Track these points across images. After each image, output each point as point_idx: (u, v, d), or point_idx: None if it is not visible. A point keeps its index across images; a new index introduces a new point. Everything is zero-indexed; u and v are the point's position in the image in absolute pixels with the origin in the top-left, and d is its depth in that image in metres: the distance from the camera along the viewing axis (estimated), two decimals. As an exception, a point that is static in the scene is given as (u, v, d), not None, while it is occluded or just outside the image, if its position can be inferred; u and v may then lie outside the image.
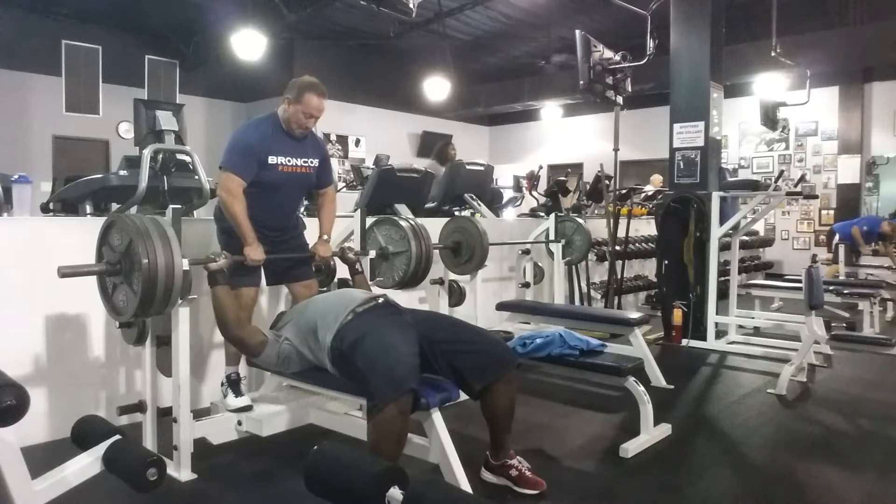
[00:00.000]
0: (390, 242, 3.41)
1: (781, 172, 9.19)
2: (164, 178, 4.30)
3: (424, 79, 9.77)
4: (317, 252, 3.03)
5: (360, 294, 2.61)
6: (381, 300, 2.54)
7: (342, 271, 3.54)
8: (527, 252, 5.37)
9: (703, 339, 5.10)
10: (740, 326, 5.49)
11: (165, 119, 4.24)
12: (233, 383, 2.93)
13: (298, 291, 3.10)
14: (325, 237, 3.07)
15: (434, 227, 4.53)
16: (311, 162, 2.98)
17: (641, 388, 2.96)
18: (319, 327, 2.43)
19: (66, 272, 2.20)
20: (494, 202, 6.93)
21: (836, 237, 8.23)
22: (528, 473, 2.42)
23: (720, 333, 5.25)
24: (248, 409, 2.86)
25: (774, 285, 6.60)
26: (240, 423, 2.82)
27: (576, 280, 5.80)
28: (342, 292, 2.75)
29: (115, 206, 4.78)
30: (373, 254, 3.39)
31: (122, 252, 2.24)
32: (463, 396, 2.36)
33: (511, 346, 3.09)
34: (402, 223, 3.36)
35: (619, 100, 5.61)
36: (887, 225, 7.80)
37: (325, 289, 3.44)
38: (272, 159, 2.82)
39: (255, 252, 2.76)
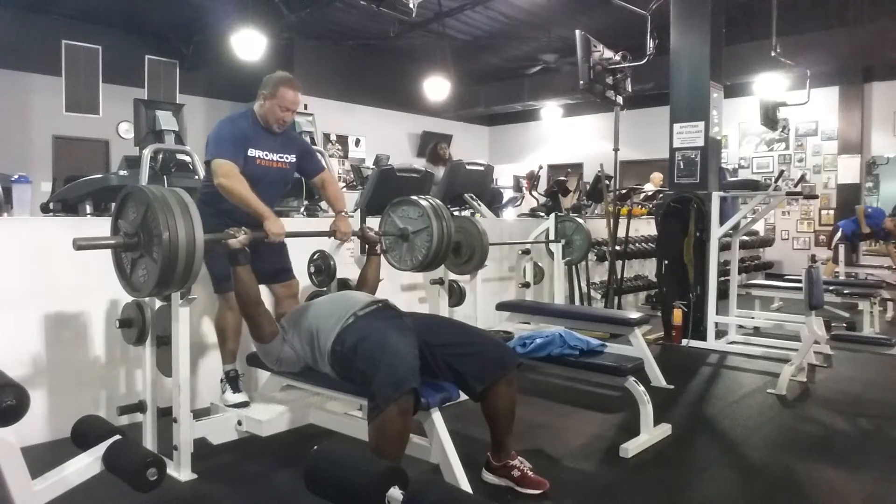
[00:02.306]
0: (408, 223, 3.22)
1: (781, 172, 9.19)
2: (164, 178, 4.31)
3: (424, 79, 9.77)
4: (338, 228, 2.97)
5: (362, 297, 2.60)
6: (381, 304, 2.55)
7: (342, 271, 3.53)
8: (527, 252, 5.37)
9: (703, 339, 5.10)
10: (740, 326, 5.49)
11: (165, 119, 4.25)
12: (231, 380, 2.94)
13: (280, 292, 3.11)
14: (343, 213, 3.05)
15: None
16: (288, 158, 2.98)
17: (641, 388, 2.95)
18: (321, 331, 2.43)
19: (81, 244, 2.10)
20: (494, 202, 6.93)
21: (839, 234, 8.19)
22: (530, 473, 2.42)
23: (720, 333, 5.24)
24: (245, 405, 2.86)
25: (774, 285, 6.60)
26: (240, 423, 2.82)
27: (576, 280, 5.80)
28: (342, 295, 2.75)
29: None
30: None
31: (138, 224, 2.13)
32: (463, 396, 2.36)
33: (511, 346, 3.09)
34: (422, 202, 3.17)
35: (619, 100, 5.61)
36: (891, 221, 7.78)
37: (324, 289, 3.44)
38: (251, 152, 2.82)
39: (275, 226, 2.67)
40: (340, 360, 2.35)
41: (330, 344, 2.38)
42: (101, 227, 3.40)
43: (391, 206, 3.29)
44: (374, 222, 3.58)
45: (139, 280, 2.20)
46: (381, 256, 3.11)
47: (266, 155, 2.88)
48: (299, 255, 3.48)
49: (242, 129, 2.83)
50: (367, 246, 3.08)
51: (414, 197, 3.23)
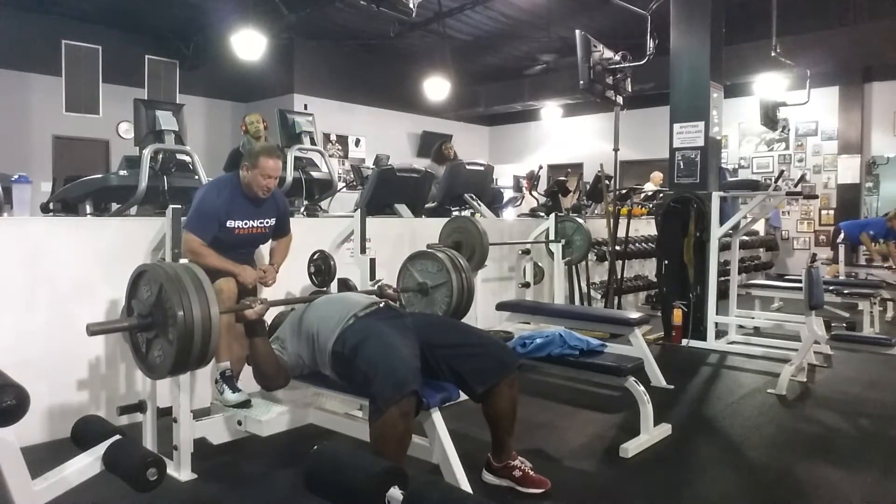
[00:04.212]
0: (427, 277, 3.15)
1: (781, 172, 9.18)
2: (164, 178, 4.30)
3: (424, 79, 9.77)
4: (259, 269, 3.11)
5: (362, 298, 2.59)
6: (382, 304, 2.54)
7: (342, 271, 3.54)
8: (527, 252, 5.37)
9: (703, 339, 5.09)
10: (740, 326, 5.48)
11: (165, 119, 4.24)
12: (227, 379, 2.94)
13: None
14: (276, 266, 3.22)
15: (434, 227, 4.54)
16: (268, 222, 3.17)
17: (641, 388, 2.95)
18: (321, 332, 2.42)
19: (95, 330, 2.04)
20: (494, 202, 6.93)
21: (842, 235, 8.16)
22: (531, 473, 2.42)
23: (720, 333, 5.24)
24: (246, 404, 2.86)
25: (774, 285, 6.60)
26: (240, 423, 2.82)
27: (576, 280, 5.80)
28: (342, 296, 2.74)
29: (115, 207, 4.79)
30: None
31: (152, 303, 2.05)
32: (463, 396, 2.36)
33: (511, 346, 3.09)
34: (439, 254, 3.12)
35: (619, 100, 5.61)
36: (894, 221, 7.74)
37: (324, 289, 3.44)
38: (230, 223, 3.01)
39: (249, 275, 2.94)
40: (341, 361, 2.34)
41: (331, 345, 2.37)
42: (100, 227, 3.41)
43: (409, 261, 3.24)
44: (373, 222, 3.58)
45: (155, 361, 2.11)
46: None
47: (245, 223, 3.08)
48: (299, 255, 3.49)
49: (223, 200, 3.00)
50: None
51: (431, 250, 3.19)
